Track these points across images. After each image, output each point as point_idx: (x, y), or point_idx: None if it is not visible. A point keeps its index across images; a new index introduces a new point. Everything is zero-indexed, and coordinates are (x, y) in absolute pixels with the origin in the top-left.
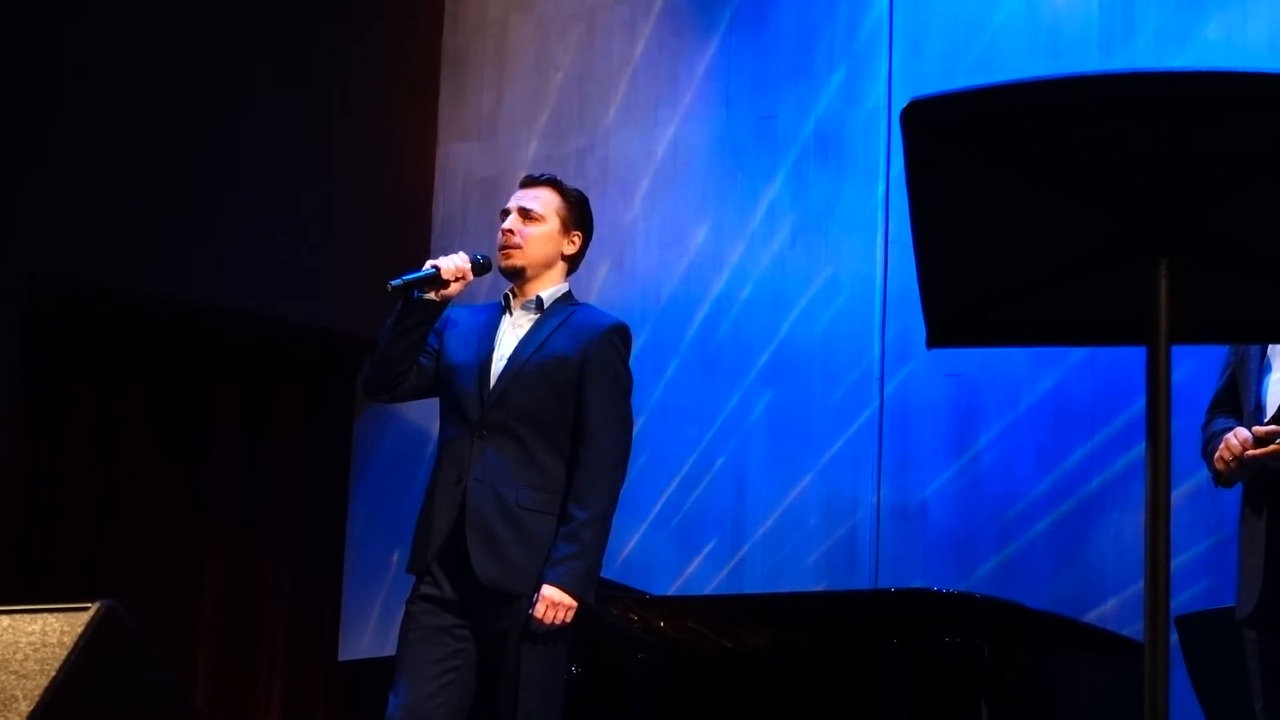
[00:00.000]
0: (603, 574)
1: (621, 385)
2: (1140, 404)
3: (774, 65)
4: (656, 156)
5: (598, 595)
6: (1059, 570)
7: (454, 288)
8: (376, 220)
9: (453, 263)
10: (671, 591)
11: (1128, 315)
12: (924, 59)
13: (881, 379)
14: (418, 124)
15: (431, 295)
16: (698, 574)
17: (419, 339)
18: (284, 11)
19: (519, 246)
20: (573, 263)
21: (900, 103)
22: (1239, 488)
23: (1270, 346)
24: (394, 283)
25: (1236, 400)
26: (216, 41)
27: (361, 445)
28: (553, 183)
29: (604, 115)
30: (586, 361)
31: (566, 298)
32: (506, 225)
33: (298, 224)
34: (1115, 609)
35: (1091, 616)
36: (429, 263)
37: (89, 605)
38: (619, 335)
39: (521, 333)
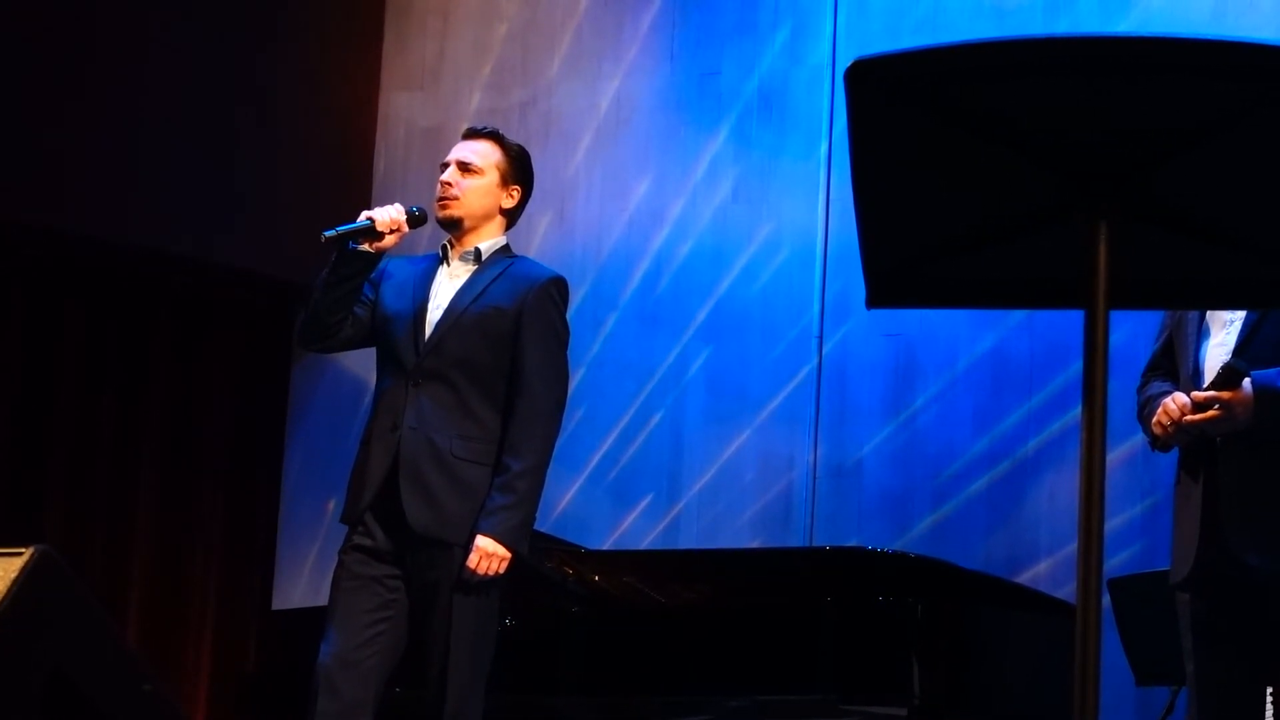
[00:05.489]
0: (538, 527)
1: (558, 336)
2: (1077, 366)
3: (718, 21)
4: (599, 110)
5: (532, 548)
6: (993, 531)
7: (388, 240)
8: (318, 167)
9: (387, 214)
10: (607, 546)
11: (1067, 278)
12: (869, 18)
13: (820, 337)
14: (360, 72)
15: (366, 247)
16: (633, 529)
17: (354, 289)
18: None
19: (456, 198)
20: (511, 217)
21: (844, 61)
22: (1174, 452)
23: (1209, 311)
24: (328, 233)
25: (1173, 364)
26: None
27: (298, 393)
28: (494, 136)
29: (548, 68)
30: (523, 313)
31: (504, 250)
32: (445, 177)
33: (238, 169)
34: (1049, 570)
35: (1025, 577)
36: (364, 214)
37: (23, 550)
38: (556, 287)
39: (459, 283)
